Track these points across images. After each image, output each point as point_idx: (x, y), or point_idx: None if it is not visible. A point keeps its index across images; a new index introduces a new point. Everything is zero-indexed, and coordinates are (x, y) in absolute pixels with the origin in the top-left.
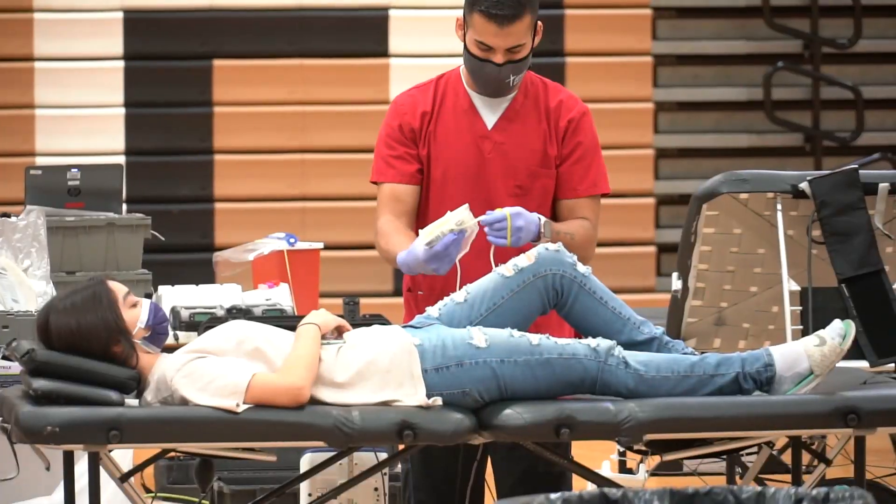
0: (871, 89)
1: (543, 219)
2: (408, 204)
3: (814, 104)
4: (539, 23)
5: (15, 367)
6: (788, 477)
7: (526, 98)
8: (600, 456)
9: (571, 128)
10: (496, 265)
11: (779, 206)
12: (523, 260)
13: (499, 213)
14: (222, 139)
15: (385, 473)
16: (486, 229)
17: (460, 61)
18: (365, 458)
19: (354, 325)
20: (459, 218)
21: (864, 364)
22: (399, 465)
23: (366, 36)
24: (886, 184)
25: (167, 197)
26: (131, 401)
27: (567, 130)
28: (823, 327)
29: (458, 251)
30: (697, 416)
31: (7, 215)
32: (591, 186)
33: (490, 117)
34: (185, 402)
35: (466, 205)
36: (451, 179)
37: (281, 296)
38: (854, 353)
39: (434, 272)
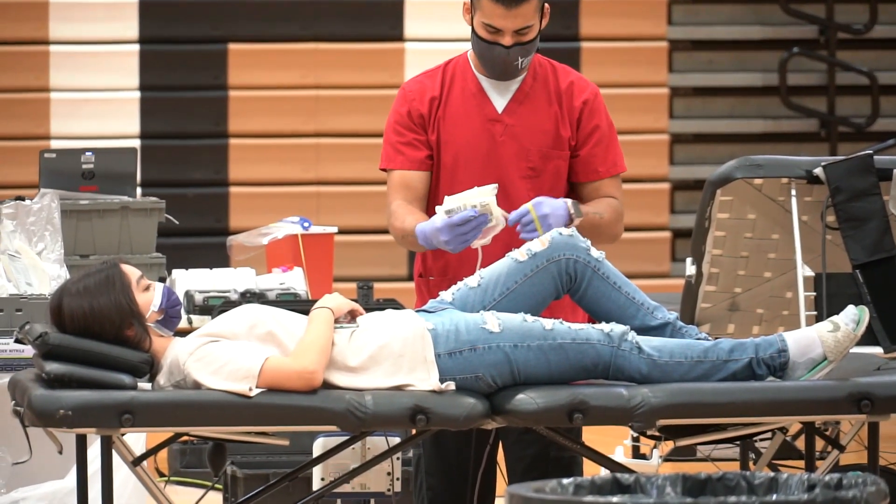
0: (886, 75)
1: (570, 201)
2: (418, 190)
3: (829, 90)
4: (546, 5)
5: (28, 351)
6: (802, 463)
7: (535, 80)
8: (614, 441)
9: (587, 110)
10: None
11: (793, 192)
12: (537, 244)
13: (521, 209)
14: (237, 123)
15: (398, 458)
16: (517, 228)
17: None
18: (377, 443)
19: (368, 310)
20: (483, 199)
21: (877, 350)
22: (411, 450)
23: (381, 20)
24: None
25: (181, 181)
26: (144, 384)
27: (583, 112)
28: (837, 313)
29: (476, 235)
30: (711, 402)
31: (21, 198)
32: (612, 166)
33: (499, 100)
34: (197, 385)
35: (495, 186)
36: (463, 163)
37: (295, 280)
38: (868, 338)
39: (445, 246)
